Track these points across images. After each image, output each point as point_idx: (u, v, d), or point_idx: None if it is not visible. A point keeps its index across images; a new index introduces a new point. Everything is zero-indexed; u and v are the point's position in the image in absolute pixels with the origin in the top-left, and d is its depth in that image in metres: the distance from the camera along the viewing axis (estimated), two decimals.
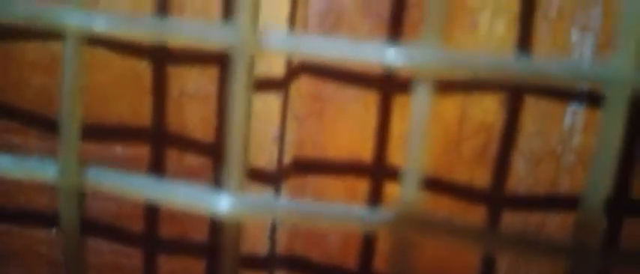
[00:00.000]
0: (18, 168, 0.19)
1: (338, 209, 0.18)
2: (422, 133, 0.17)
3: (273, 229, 0.29)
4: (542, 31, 0.25)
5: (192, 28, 0.17)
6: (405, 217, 0.17)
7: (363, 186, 0.27)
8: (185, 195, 0.18)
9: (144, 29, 0.17)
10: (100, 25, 0.17)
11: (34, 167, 0.19)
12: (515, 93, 0.25)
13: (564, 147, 0.26)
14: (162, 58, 0.27)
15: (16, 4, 0.17)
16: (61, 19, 0.17)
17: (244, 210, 0.17)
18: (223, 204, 0.17)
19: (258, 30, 0.16)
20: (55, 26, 0.17)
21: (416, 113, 0.16)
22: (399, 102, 0.26)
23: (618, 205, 0.26)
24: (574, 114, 0.25)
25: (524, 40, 0.25)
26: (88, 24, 0.17)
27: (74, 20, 0.17)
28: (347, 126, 0.27)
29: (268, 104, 0.28)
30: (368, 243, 0.28)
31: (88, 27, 0.17)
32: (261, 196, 0.17)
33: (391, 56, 0.16)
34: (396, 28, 0.25)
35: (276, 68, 0.28)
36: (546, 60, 0.16)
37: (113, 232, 0.29)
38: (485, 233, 0.16)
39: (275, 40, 0.17)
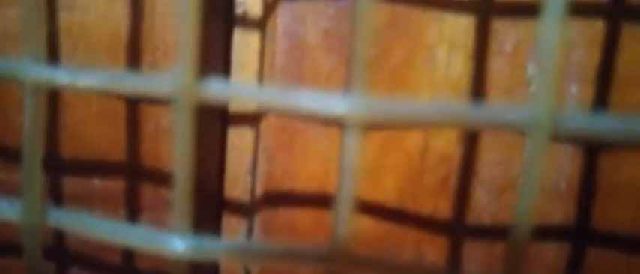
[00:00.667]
0: None
1: (279, 248, 0.18)
2: (353, 173, 0.17)
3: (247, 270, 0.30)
4: (498, 66, 0.25)
5: (140, 80, 0.18)
6: (336, 253, 0.18)
7: (329, 216, 0.28)
8: (140, 236, 0.19)
9: (99, 82, 0.18)
10: (61, 78, 0.18)
11: (0, 207, 0.20)
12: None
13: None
14: (137, 97, 0.28)
15: None
16: (20, 73, 0.18)
17: (191, 252, 0.18)
18: (177, 245, 0.18)
19: (197, 79, 0.17)
20: (15, 79, 0.18)
21: (347, 155, 0.17)
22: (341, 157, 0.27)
23: (580, 235, 0.26)
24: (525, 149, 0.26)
25: (480, 75, 0.25)
26: (49, 76, 0.18)
27: (32, 73, 0.18)
28: (313, 159, 0.27)
29: (243, 137, 0.29)
30: None
31: (48, 79, 0.18)
32: (207, 238, 0.18)
33: (333, 107, 0.17)
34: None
35: (248, 104, 0.29)
36: (471, 106, 0.17)
37: (95, 263, 0.30)
38: (413, 269, 0.17)
39: (214, 88, 0.18)
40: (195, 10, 0.17)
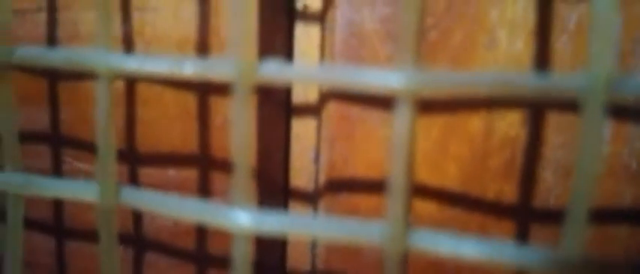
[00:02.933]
0: (66, 189, 0.21)
1: (342, 226, 0.19)
2: (406, 147, 0.18)
3: (314, 245, 0.31)
4: (561, 45, 0.25)
5: (202, 64, 0.19)
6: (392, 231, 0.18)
7: None
8: (206, 211, 0.20)
9: (165, 67, 0.20)
10: (129, 64, 0.20)
11: (79, 188, 0.21)
12: (538, 107, 0.26)
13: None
14: (206, 90, 0.30)
15: (55, 50, 0.20)
16: (92, 62, 0.20)
17: (254, 226, 0.19)
18: (241, 219, 0.19)
19: (254, 62, 0.18)
20: (87, 68, 0.20)
21: (398, 130, 0.18)
22: (419, 122, 0.27)
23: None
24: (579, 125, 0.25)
25: (543, 55, 0.25)
26: (119, 63, 0.20)
27: (103, 60, 0.20)
28: (374, 146, 0.28)
29: (306, 128, 0.30)
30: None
31: (118, 66, 0.20)
32: (272, 213, 0.19)
33: (388, 81, 0.18)
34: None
35: (311, 95, 0.29)
36: (525, 75, 0.17)
37: (169, 248, 0.32)
38: None
39: (272, 69, 0.19)
40: None
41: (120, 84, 0.31)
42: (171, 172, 0.31)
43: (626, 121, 0.25)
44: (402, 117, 0.17)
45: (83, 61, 0.20)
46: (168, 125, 0.30)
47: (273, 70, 0.18)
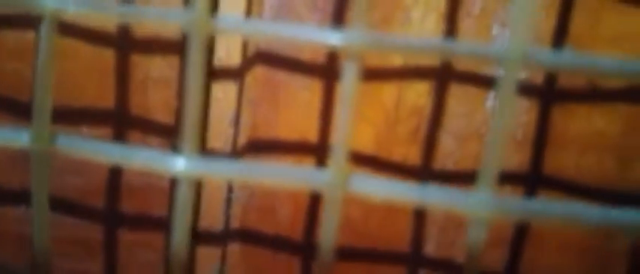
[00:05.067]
0: None
1: (282, 171, 0.20)
2: (350, 108, 0.20)
3: (229, 204, 0.32)
4: (466, 26, 0.28)
5: (155, 12, 0.20)
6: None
7: (309, 164, 0.30)
8: (145, 157, 0.21)
9: (112, 13, 0.20)
10: (72, 7, 0.20)
11: (9, 135, 0.21)
12: (443, 79, 0.29)
13: (487, 128, 0.29)
14: (127, 46, 0.29)
15: None
16: (37, 2, 0.19)
17: (199, 170, 0.20)
18: (180, 164, 0.20)
19: (214, 14, 0.19)
20: (32, 8, 0.19)
21: (345, 89, 0.20)
22: (337, 89, 0.29)
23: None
24: (495, 99, 0.29)
25: (451, 34, 0.28)
26: (61, 6, 0.20)
27: (49, 2, 0.19)
28: (296, 110, 0.30)
29: (226, 91, 0.31)
30: (314, 217, 0.31)
31: (61, 9, 0.20)
32: (215, 158, 0.20)
33: (329, 38, 0.19)
34: (338, 21, 0.28)
35: (233, 58, 0.30)
36: (454, 41, 0.20)
37: (78, 208, 0.31)
38: None
39: (229, 22, 0.20)
40: None
41: (31, 36, 0.29)
42: (84, 130, 0.30)
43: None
44: (349, 73, 0.19)
45: (24, 2, 0.19)
46: (83, 79, 0.30)
47: (229, 23, 0.19)
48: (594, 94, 0.29)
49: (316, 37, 0.19)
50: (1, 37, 0.29)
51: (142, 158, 0.21)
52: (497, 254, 0.30)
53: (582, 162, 0.29)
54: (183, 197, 0.21)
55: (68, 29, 0.29)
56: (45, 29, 0.20)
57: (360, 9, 0.19)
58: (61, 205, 0.31)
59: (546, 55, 0.20)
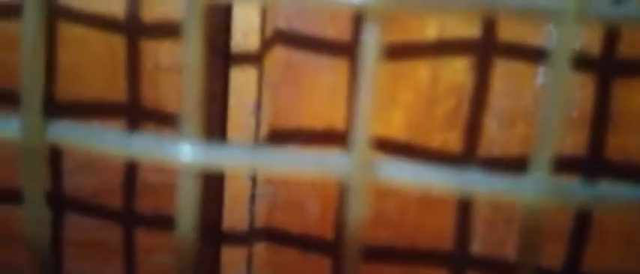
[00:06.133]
0: None
1: (295, 158, 0.18)
2: (372, 83, 0.17)
3: (253, 201, 0.29)
4: None
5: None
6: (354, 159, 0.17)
7: (336, 151, 0.27)
8: (147, 145, 0.18)
9: None
10: None
11: None
12: (485, 53, 0.25)
13: (537, 106, 0.26)
14: (136, 33, 0.27)
15: None
16: None
17: (202, 159, 0.18)
18: (183, 151, 0.18)
19: None
20: None
21: (366, 60, 0.17)
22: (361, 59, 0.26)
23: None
24: (545, 75, 0.25)
25: None
26: None
27: None
28: (321, 95, 0.27)
29: (246, 78, 0.28)
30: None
31: None
32: (219, 145, 0.17)
33: None
34: None
35: (251, 40, 0.28)
36: None
37: (93, 208, 0.29)
38: None
39: None
40: None
41: (16, 26, 0.28)
42: (95, 123, 0.28)
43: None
44: (370, 35, 0.16)
45: None
46: (92, 70, 0.28)
47: None
48: None
49: None
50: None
51: (140, 145, 0.19)
52: (555, 250, 0.27)
53: None
54: (187, 189, 0.18)
55: (72, 16, 0.27)
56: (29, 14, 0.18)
57: None
58: (74, 206, 0.29)
59: (607, 7, 0.17)
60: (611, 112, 0.25)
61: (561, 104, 0.17)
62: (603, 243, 0.27)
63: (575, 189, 0.17)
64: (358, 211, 0.18)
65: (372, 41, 0.17)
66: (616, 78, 0.25)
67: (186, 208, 0.18)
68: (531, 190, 0.17)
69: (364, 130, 0.17)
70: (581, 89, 0.25)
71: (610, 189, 0.17)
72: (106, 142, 0.18)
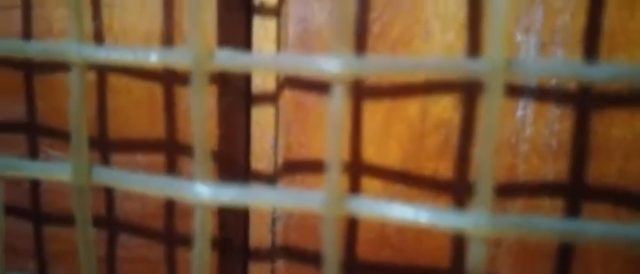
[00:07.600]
0: (41, 170, 0.24)
1: (280, 195, 0.21)
2: (338, 127, 0.20)
3: (274, 222, 0.33)
4: (488, 35, 0.28)
5: (164, 53, 0.22)
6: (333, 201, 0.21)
7: (344, 181, 0.31)
8: (168, 185, 0.23)
9: (132, 56, 0.22)
10: (100, 54, 0.22)
11: (53, 168, 0.24)
12: (470, 91, 0.29)
13: (518, 138, 0.28)
14: (171, 80, 0.32)
15: (31, 43, 0.22)
16: (66, 52, 0.22)
17: (209, 197, 0.22)
18: (200, 191, 0.22)
19: (209, 50, 0.21)
20: (61, 57, 0.22)
21: (333, 111, 0.20)
22: (366, 107, 0.30)
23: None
24: (525, 108, 0.28)
25: (474, 45, 0.28)
26: (89, 54, 0.22)
27: (76, 51, 0.22)
28: (325, 131, 0.31)
29: (265, 115, 0.33)
30: (353, 234, 0.32)
31: (89, 56, 0.22)
32: (228, 185, 0.22)
33: (328, 65, 0.20)
34: (360, 41, 0.29)
35: (268, 83, 0.32)
36: (439, 58, 0.20)
37: (139, 229, 0.34)
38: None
39: (224, 57, 0.21)
40: None
41: (92, 76, 0.33)
42: (140, 157, 0.33)
43: (547, 104, 0.28)
44: (336, 96, 0.20)
45: (58, 52, 0.22)
46: (135, 112, 0.33)
47: (226, 58, 0.21)
48: (633, 97, 0.27)
49: (313, 65, 0.21)
50: (62, 79, 0.33)
51: (164, 186, 0.23)
52: (540, 270, 0.29)
53: (628, 168, 0.28)
54: (201, 221, 0.23)
55: (118, 69, 0.32)
56: (74, 76, 0.23)
57: (341, 35, 0.20)
58: (124, 227, 0.34)
59: (530, 63, 0.20)
60: (589, 142, 0.28)
61: (494, 138, 0.20)
62: (588, 263, 0.29)
63: (512, 220, 0.20)
64: (332, 237, 0.21)
65: (338, 102, 0.20)
66: (593, 110, 0.28)
67: (201, 234, 0.22)
68: (473, 223, 0.20)
69: (335, 172, 0.21)
70: (558, 121, 0.28)
71: (543, 221, 0.20)
72: (136, 183, 0.23)
